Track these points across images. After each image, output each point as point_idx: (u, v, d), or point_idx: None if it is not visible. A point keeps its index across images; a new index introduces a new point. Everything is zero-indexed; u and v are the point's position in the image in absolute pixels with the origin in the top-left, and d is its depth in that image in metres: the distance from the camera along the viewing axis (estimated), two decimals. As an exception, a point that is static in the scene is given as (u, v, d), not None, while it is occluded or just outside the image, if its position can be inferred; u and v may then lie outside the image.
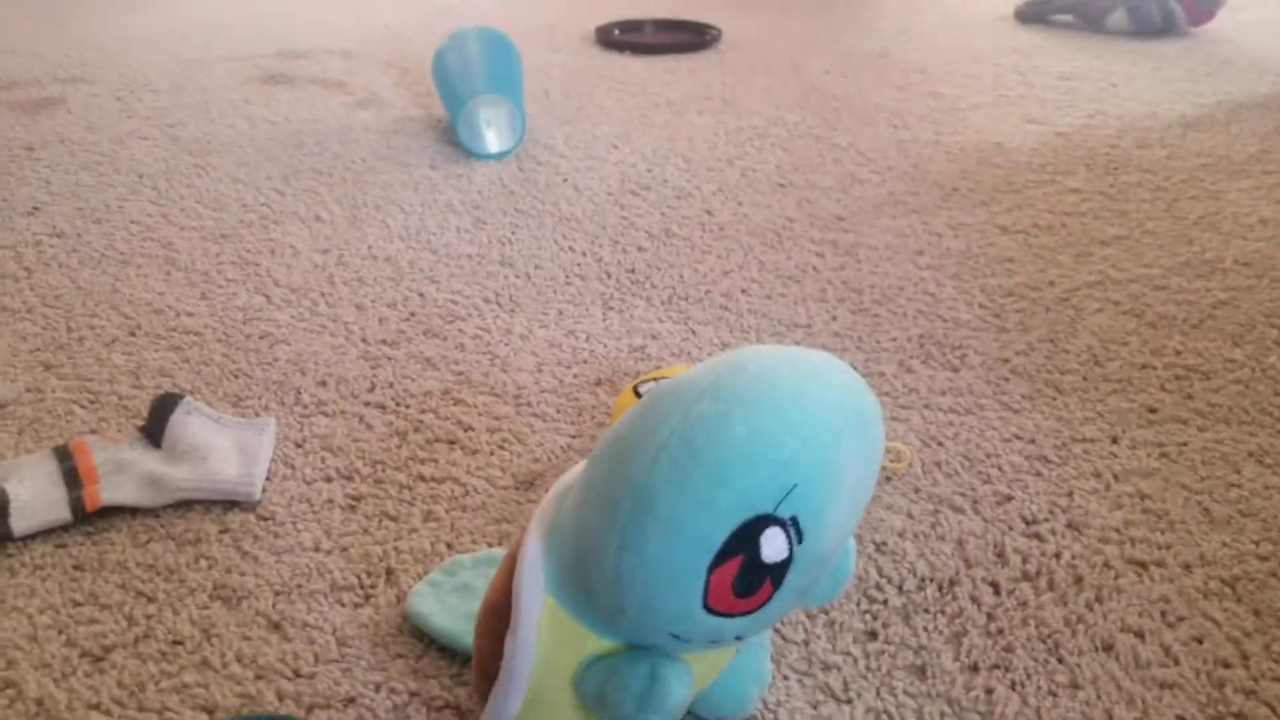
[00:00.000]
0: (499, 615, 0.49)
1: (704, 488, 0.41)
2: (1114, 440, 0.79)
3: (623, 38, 1.82)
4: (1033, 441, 0.79)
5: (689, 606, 0.43)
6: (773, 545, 0.42)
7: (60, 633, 0.62)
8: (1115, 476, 0.75)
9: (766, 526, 0.41)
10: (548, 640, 0.47)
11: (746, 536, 0.41)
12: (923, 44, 1.84)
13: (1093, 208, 1.18)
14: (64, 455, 0.73)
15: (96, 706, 0.57)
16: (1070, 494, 0.73)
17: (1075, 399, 0.84)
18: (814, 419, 0.42)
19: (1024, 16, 1.97)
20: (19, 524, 0.68)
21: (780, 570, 0.43)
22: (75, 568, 0.66)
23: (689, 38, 1.84)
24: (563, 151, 1.34)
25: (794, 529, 0.42)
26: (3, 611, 0.63)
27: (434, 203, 1.19)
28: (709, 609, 0.43)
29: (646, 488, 0.42)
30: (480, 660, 0.51)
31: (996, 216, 1.16)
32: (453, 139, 1.36)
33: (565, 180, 1.25)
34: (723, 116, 1.47)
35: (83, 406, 0.83)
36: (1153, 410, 0.83)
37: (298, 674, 0.59)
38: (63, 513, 0.69)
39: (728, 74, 1.67)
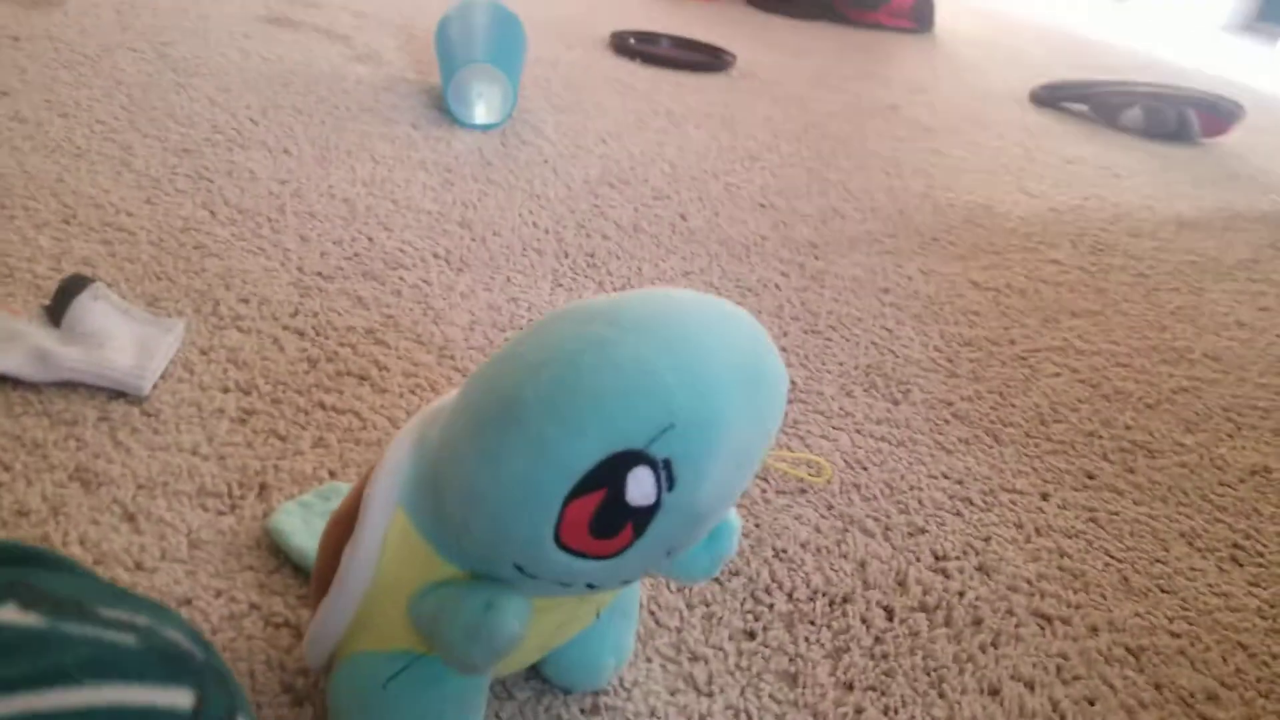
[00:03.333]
0: (346, 524, 0.46)
1: (577, 410, 0.38)
2: (1044, 497, 0.76)
3: (637, 46, 1.81)
4: (960, 483, 0.76)
5: (539, 535, 0.39)
6: (639, 486, 0.38)
7: (-108, 481, 0.58)
8: (1038, 530, 0.72)
9: (635, 465, 0.38)
10: (392, 557, 0.43)
11: (613, 471, 0.38)
12: (933, 106, 1.83)
13: (1070, 280, 1.16)
14: (-48, 315, 0.69)
15: (-95, 558, 0.52)
16: (988, 539, 0.70)
17: (1013, 451, 0.81)
18: (705, 362, 0.39)
19: (1039, 100, 1.97)
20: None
21: (644, 516, 0.39)
22: (-70, 423, 0.62)
23: (703, 58, 1.83)
24: (550, 136, 1.32)
25: (665, 473, 0.38)
26: None
27: (407, 158, 1.16)
28: (561, 543, 0.39)
29: (518, 401, 0.39)
30: (319, 571, 0.47)
31: (971, 271, 1.14)
32: (442, 105, 1.33)
33: (546, 162, 1.22)
34: (719, 134, 1.45)
35: (-9, 279, 0.79)
36: (1091, 476, 0.80)
37: (139, 566, 0.55)
38: (-65, 369, 0.65)
39: (733, 97, 1.66)
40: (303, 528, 0.58)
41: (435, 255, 0.95)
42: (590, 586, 0.42)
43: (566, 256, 1.00)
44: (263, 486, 0.63)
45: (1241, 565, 0.72)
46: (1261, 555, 0.73)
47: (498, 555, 0.41)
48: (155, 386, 0.69)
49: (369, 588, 0.44)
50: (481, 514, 0.40)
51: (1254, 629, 0.66)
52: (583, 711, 0.52)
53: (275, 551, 0.58)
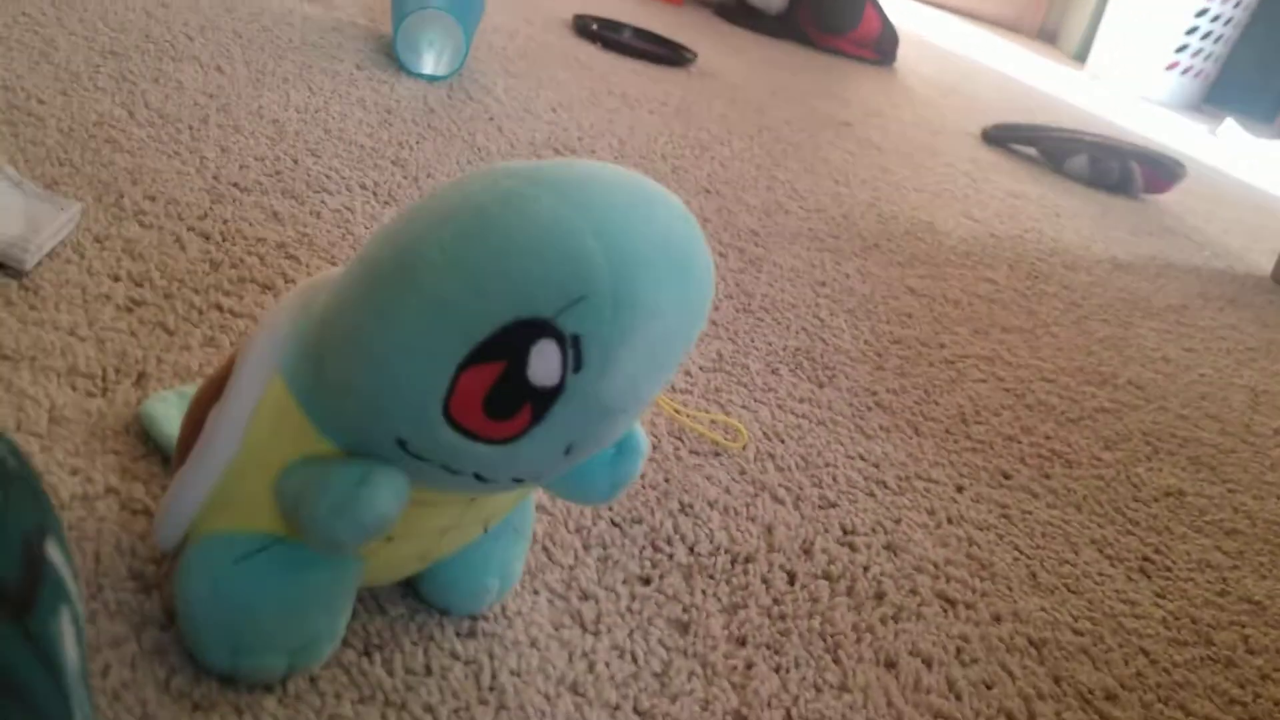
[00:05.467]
0: (217, 389, 0.41)
1: (481, 267, 0.35)
2: (959, 489, 0.74)
3: (599, 31, 1.78)
4: (876, 466, 0.74)
5: (427, 405, 0.36)
6: (543, 362, 0.35)
7: None
8: (949, 519, 0.70)
9: (541, 337, 0.35)
10: (264, 427, 0.39)
11: (515, 341, 0.35)
12: (887, 129, 1.83)
13: (1004, 299, 1.15)
14: None
15: None
16: (898, 520, 0.68)
17: (932, 443, 0.79)
18: (632, 236, 0.36)
19: (990, 138, 1.99)
20: None
21: (545, 398, 0.36)
22: None
23: (664, 52, 1.81)
24: (499, 97, 1.28)
25: (573, 351, 0.35)
26: None
27: (346, 94, 1.11)
28: (450, 418, 0.36)
29: (417, 254, 0.36)
30: (182, 439, 0.43)
31: (908, 278, 1.12)
32: (390, 52, 1.29)
33: (491, 119, 1.19)
34: (672, 122, 1.43)
35: (-124, 140, 0.73)
36: (1007, 476, 0.78)
37: (-14, 435, 0.50)
38: None
39: (690, 92, 1.64)
40: (176, 415, 0.54)
41: (362, 186, 0.91)
42: (479, 478, 0.39)
43: (500, 206, 0.96)
44: (141, 375, 0.58)
45: (1150, 577, 0.71)
46: (1169, 570, 0.72)
47: (380, 426, 0.37)
48: (39, 263, 0.64)
49: (234, 458, 0.40)
50: (366, 375, 0.36)
51: (1157, 637, 0.64)
52: (459, 634, 0.48)
53: (145, 439, 0.53)
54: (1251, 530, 0.81)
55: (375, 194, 0.90)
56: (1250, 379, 1.13)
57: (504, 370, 0.35)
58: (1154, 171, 1.86)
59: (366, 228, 0.83)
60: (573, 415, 0.37)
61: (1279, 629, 0.69)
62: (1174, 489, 0.84)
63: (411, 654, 0.46)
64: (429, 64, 1.25)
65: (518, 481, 0.41)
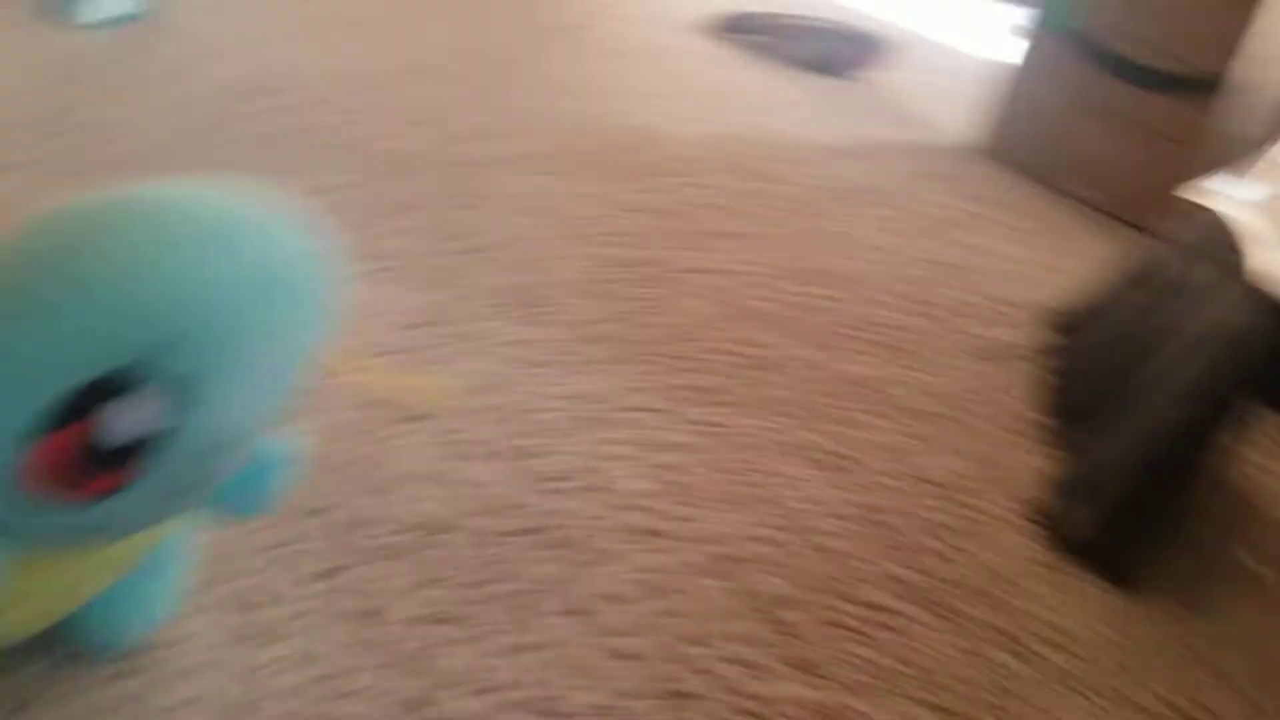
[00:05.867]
0: None
1: (32, 333, 0.33)
2: (666, 413, 0.77)
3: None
4: (586, 403, 0.75)
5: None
6: (129, 417, 0.34)
7: None
8: (655, 446, 0.72)
9: (118, 393, 0.34)
10: None
11: (88, 402, 0.34)
12: (614, 29, 1.81)
13: (724, 204, 1.17)
14: None
15: None
16: (604, 458, 0.70)
17: (643, 370, 0.81)
18: (216, 271, 0.35)
19: (723, 28, 1.99)
20: None
21: (139, 450, 0.35)
22: None
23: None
24: (195, 36, 1.20)
25: (166, 397, 0.35)
26: None
27: (10, 49, 1.02)
28: (25, 491, 0.34)
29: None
30: None
31: (628, 193, 1.13)
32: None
33: (186, 62, 1.12)
34: (381, 46, 1.38)
35: None
36: (711, 391, 0.81)
37: None
38: None
39: (402, 11, 1.57)
40: None
41: (38, 161, 0.84)
42: (88, 534, 0.38)
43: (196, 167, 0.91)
44: None
45: (840, 471, 0.75)
46: (858, 462, 0.76)
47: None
48: None
49: None
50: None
51: (841, 534, 0.69)
52: (118, 675, 0.47)
53: None
54: (935, 409, 0.86)
55: (51, 167, 0.84)
56: (950, 255, 1.19)
57: (83, 431, 0.34)
58: (866, 48, 1.91)
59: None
60: (175, 459, 0.36)
61: (959, 506, 0.74)
62: (860, 377, 0.88)
63: (61, 705, 0.45)
64: (111, 4, 1.15)
65: (142, 527, 0.40)
